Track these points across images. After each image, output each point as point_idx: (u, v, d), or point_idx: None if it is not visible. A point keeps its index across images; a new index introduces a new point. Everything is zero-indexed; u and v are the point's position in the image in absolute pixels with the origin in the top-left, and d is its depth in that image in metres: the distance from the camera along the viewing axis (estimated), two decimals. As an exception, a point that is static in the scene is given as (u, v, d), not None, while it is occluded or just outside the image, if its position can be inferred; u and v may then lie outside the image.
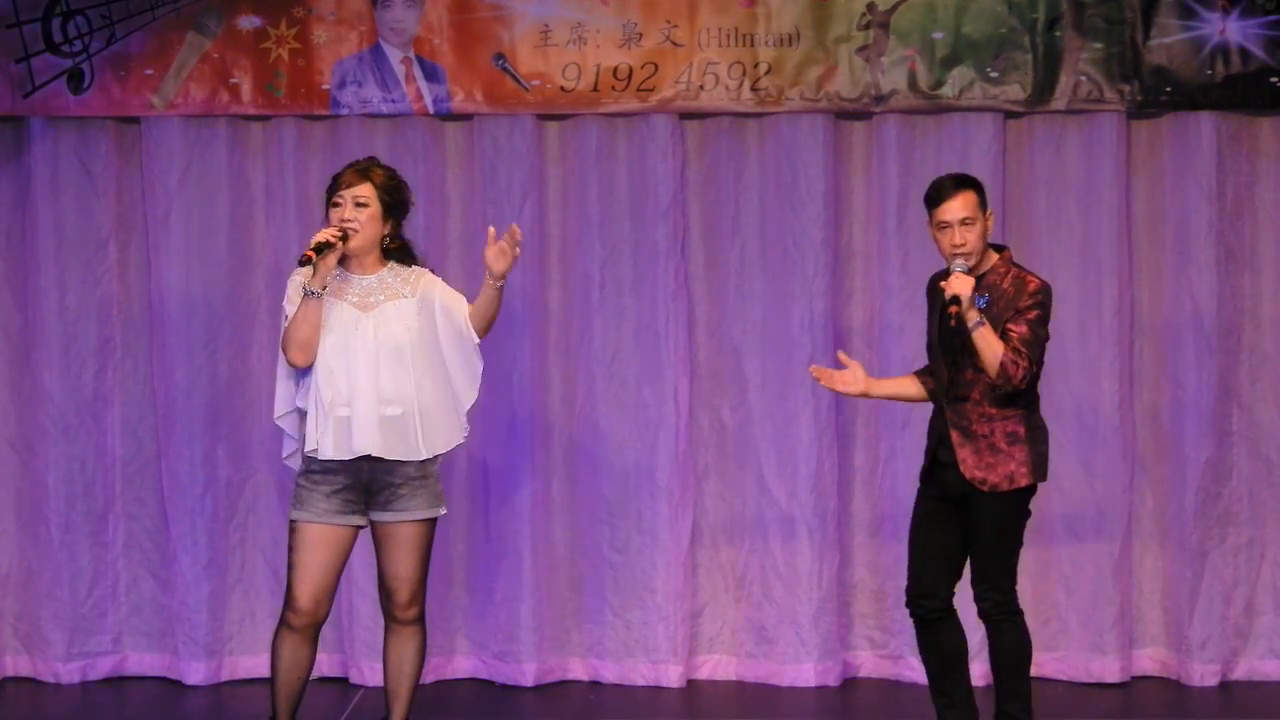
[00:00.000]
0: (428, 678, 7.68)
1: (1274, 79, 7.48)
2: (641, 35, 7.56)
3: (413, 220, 7.59)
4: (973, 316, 6.14)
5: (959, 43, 7.52)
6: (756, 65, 7.55)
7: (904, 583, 7.59)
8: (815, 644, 7.66)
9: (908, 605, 6.46)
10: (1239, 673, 7.69)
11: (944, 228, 6.25)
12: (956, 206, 6.24)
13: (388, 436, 6.13)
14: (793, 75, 7.55)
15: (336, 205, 6.17)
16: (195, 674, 7.76)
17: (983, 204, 6.29)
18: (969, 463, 6.25)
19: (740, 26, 7.55)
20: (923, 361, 7.61)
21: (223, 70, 7.60)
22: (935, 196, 6.29)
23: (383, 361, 6.14)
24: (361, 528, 6.22)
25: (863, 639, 7.78)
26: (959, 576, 6.41)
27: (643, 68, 7.57)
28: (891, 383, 6.65)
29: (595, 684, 7.76)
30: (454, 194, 7.76)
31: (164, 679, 7.83)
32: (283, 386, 6.24)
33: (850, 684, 7.73)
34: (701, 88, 7.56)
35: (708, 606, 7.80)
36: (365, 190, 6.17)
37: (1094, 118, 7.57)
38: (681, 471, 7.69)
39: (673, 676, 7.69)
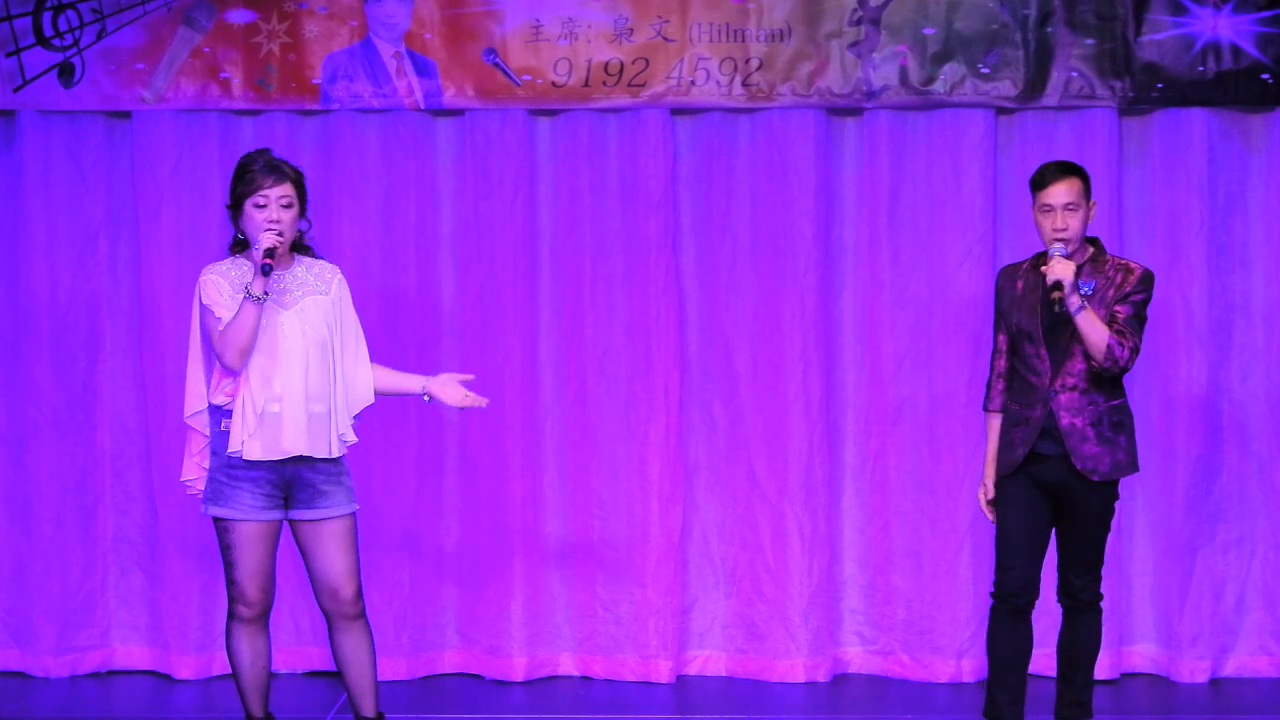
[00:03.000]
0: (417, 673, 7.70)
1: (1265, 75, 7.48)
2: (633, 30, 7.57)
3: (404, 216, 7.66)
4: (1074, 301, 6.16)
5: (950, 39, 7.53)
6: (748, 60, 7.55)
7: (895, 579, 7.67)
8: (805, 640, 7.66)
9: (1001, 599, 6.41)
10: (1229, 669, 7.69)
11: (1047, 211, 6.26)
12: (1062, 190, 6.25)
13: (314, 434, 6.15)
14: (784, 70, 7.55)
15: (261, 206, 6.12)
16: (185, 668, 7.76)
17: (1087, 194, 6.31)
18: (1080, 452, 6.27)
19: (731, 22, 7.55)
20: (915, 356, 7.63)
21: (214, 64, 7.60)
22: (1040, 180, 6.30)
23: (311, 358, 6.15)
24: (283, 521, 6.25)
25: (852, 635, 7.78)
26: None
27: (634, 63, 7.57)
28: (995, 448, 6.47)
29: (585, 679, 7.77)
30: (445, 189, 7.76)
31: (153, 673, 7.83)
32: (196, 385, 6.22)
33: (840, 680, 7.73)
34: (693, 83, 7.56)
35: (698, 602, 7.80)
36: (288, 190, 6.14)
37: (1085, 114, 7.57)
38: (672, 467, 7.69)
39: (662, 672, 7.69)
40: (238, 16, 7.60)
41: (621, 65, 7.57)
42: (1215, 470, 7.65)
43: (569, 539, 7.76)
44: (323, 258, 6.39)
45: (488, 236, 7.67)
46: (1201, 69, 7.49)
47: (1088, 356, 6.25)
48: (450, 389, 6.34)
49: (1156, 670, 7.72)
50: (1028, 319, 6.34)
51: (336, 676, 7.74)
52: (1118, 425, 6.33)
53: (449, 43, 7.59)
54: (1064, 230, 6.23)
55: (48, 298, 7.73)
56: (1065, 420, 6.28)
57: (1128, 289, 6.27)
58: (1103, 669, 7.56)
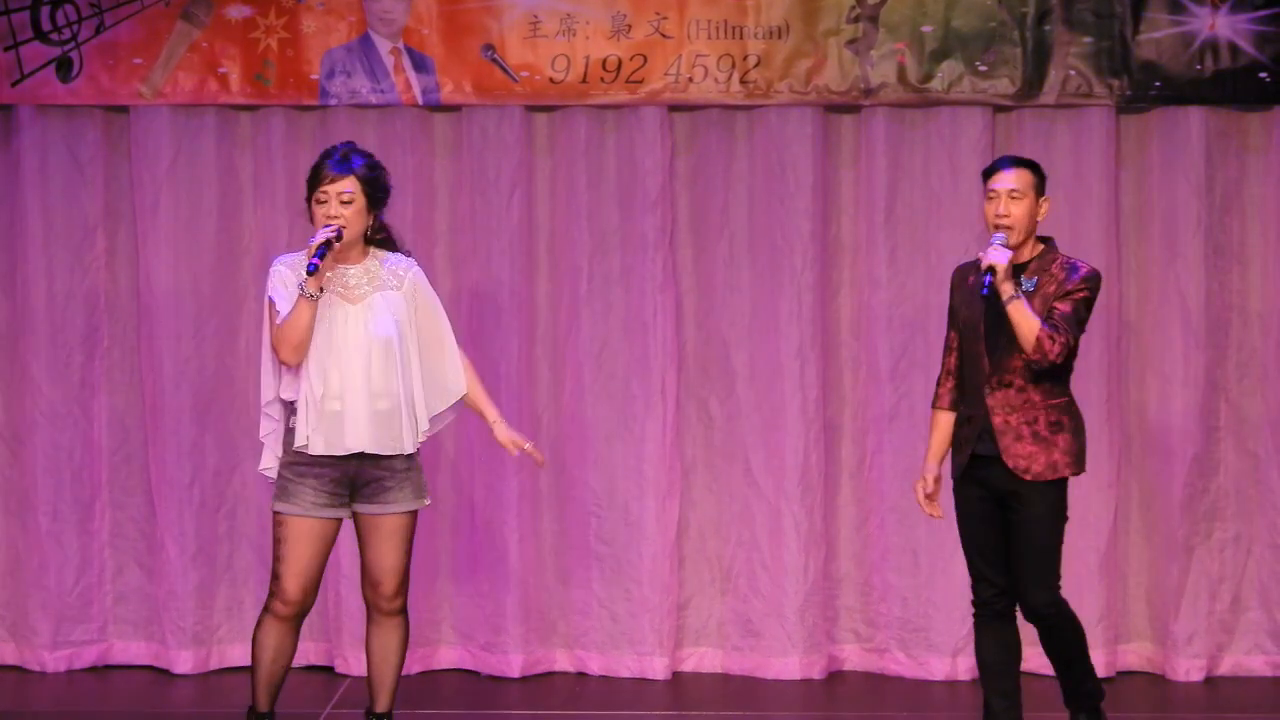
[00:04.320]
0: (414, 668, 7.70)
1: (1263, 74, 7.48)
2: (631, 27, 7.56)
3: (401, 212, 7.64)
4: (1007, 289, 6.08)
5: (948, 36, 7.52)
6: (746, 58, 7.55)
7: (891, 577, 7.67)
8: (801, 637, 7.66)
9: (980, 606, 6.33)
10: (1224, 668, 7.69)
11: (992, 197, 6.21)
12: (1008, 178, 6.21)
13: (378, 431, 6.15)
14: (782, 68, 7.54)
15: (321, 202, 6.15)
16: (183, 663, 7.76)
17: (1038, 188, 6.24)
18: (1011, 450, 6.16)
19: (729, 19, 7.54)
20: (912, 353, 7.63)
21: (211, 60, 7.60)
22: (991, 169, 6.27)
23: (374, 355, 6.15)
24: (344, 519, 6.24)
25: (848, 632, 7.79)
26: None
27: (632, 59, 7.57)
28: (939, 444, 6.43)
29: (581, 675, 7.77)
30: (442, 185, 7.76)
31: (151, 667, 7.83)
32: (269, 375, 6.23)
33: (835, 677, 7.74)
34: (690, 80, 7.56)
35: (694, 599, 7.80)
36: (349, 185, 6.13)
37: (1083, 112, 7.56)
38: (668, 464, 7.69)
39: (658, 669, 7.69)
40: (236, 11, 7.60)
41: (619, 62, 7.57)
42: (1212, 469, 7.65)
43: (565, 536, 7.76)
44: (408, 252, 6.37)
45: (485, 233, 7.68)
46: (1199, 67, 7.48)
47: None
48: (504, 431, 6.40)
49: (1152, 669, 7.72)
50: (975, 314, 6.27)
51: (334, 672, 7.78)
52: (1056, 425, 6.20)
53: (447, 39, 7.59)
54: (1005, 216, 6.16)
55: (45, 292, 7.73)
56: (999, 418, 6.20)
57: (1069, 286, 6.16)
58: (1099, 667, 7.53)
